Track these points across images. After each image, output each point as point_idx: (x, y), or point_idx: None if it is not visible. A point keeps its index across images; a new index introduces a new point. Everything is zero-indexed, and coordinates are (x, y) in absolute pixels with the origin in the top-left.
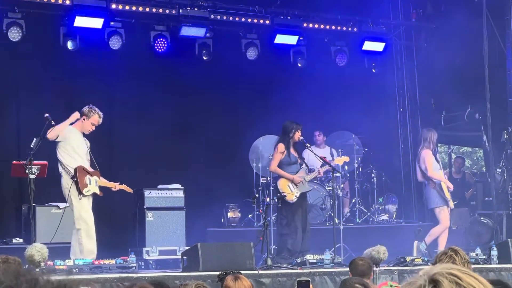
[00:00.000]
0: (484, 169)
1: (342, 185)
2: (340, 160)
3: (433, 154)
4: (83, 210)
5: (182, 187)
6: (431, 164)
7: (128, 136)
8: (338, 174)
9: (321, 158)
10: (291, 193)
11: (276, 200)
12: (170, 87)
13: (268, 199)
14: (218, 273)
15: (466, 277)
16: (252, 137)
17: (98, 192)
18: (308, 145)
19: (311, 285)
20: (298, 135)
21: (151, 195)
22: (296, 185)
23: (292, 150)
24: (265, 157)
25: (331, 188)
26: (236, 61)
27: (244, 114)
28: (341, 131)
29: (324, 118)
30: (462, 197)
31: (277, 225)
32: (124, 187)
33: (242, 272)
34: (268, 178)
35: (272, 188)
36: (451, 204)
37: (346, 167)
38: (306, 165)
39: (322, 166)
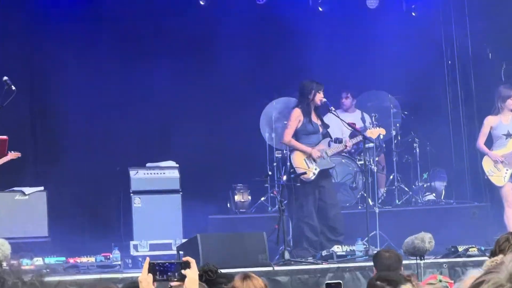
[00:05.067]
0: None
1: (376, 158)
2: (374, 132)
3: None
4: None
5: (177, 165)
6: (481, 133)
7: (111, 105)
8: (371, 145)
9: (349, 125)
10: (308, 170)
11: (293, 178)
12: (163, 38)
13: (284, 178)
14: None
15: None
16: (263, 100)
17: None
18: (333, 109)
19: None
20: (319, 97)
21: (138, 176)
22: (314, 160)
23: (313, 117)
24: (280, 126)
25: (362, 162)
26: (242, 6)
27: (253, 73)
28: (374, 90)
29: (353, 75)
30: None
31: (288, 208)
32: (11, 155)
33: (253, 269)
34: (285, 152)
35: (289, 164)
36: (494, 180)
37: (382, 136)
38: (330, 136)
39: (351, 135)
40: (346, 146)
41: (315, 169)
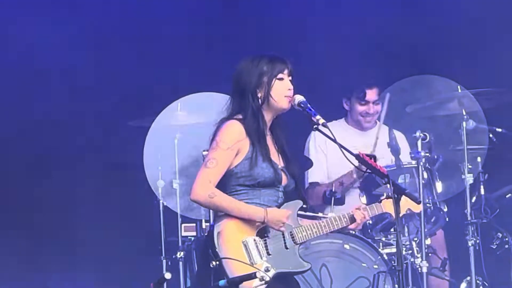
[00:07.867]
0: None
1: (428, 240)
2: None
3: None
4: None
5: None
6: None
7: None
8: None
9: (361, 159)
10: (250, 267)
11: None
12: None
13: None
14: None
15: None
16: (150, 108)
17: None
18: (321, 121)
19: None
20: (285, 90)
21: None
22: (265, 245)
23: (269, 141)
24: (195, 160)
25: (393, 249)
26: None
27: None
28: (426, 76)
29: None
30: None
31: None
32: None
33: None
34: (205, 223)
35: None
36: None
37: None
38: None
39: (363, 187)
40: (363, 216)
41: (268, 269)
